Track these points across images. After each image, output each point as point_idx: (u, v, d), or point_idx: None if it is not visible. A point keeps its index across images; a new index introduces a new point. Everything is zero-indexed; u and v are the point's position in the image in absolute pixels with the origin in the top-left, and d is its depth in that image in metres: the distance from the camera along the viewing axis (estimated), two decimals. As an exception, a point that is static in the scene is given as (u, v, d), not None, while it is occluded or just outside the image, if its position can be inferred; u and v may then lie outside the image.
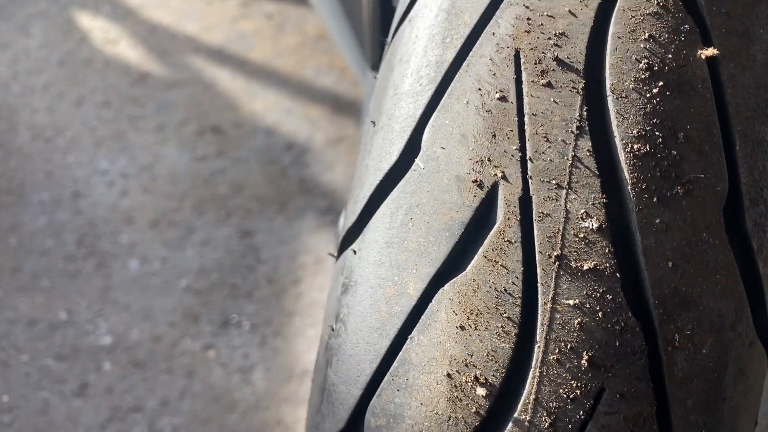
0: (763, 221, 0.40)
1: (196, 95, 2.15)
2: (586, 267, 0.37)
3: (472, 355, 0.39)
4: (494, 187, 0.39)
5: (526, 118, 0.38)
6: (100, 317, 1.82)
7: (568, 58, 0.38)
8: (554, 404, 0.38)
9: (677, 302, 0.38)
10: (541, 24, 0.39)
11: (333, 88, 2.14)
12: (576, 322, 0.37)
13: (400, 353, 0.41)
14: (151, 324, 1.74)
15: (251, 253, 1.84)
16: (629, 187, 0.38)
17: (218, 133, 2.05)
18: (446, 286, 0.40)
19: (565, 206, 0.38)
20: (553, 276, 0.38)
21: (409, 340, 0.41)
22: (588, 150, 0.38)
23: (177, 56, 2.31)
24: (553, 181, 0.38)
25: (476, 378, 0.39)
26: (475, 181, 0.39)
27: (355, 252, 0.45)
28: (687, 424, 0.39)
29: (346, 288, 0.46)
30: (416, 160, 0.41)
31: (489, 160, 0.39)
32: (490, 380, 0.39)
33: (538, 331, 0.38)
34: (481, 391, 0.39)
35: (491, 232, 0.39)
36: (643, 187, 0.37)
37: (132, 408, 1.63)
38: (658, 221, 0.38)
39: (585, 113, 0.38)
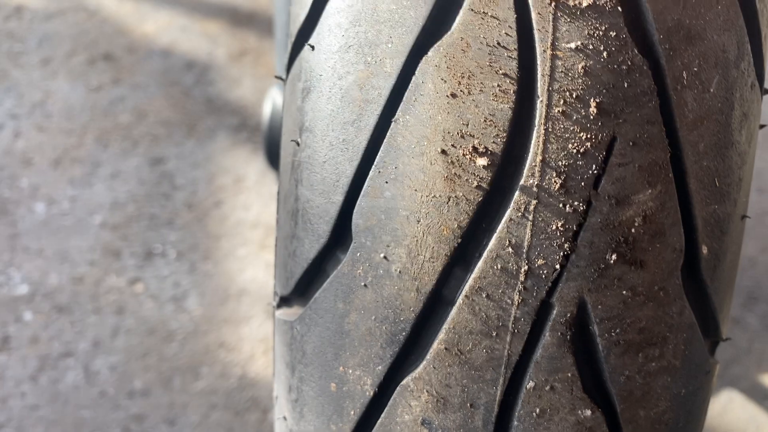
0: (757, -50, 0.37)
1: (80, 23, 1.99)
2: (585, 3, 0.33)
3: (467, 125, 0.35)
4: (473, -71, 0.34)
5: None
6: (12, 267, 1.69)
7: None
8: (563, 162, 0.34)
9: (682, 36, 0.34)
10: None
11: (228, 1, 2.02)
12: (580, 66, 0.34)
13: (384, 141, 0.36)
14: (70, 266, 1.63)
15: (165, 180, 1.74)
16: None
17: (111, 61, 1.90)
18: (430, 52, 0.35)
19: (555, -62, 0.33)
20: (551, 18, 0.33)
21: (393, 123, 0.36)
22: None
23: (52, -17, 2.12)
24: None
25: (474, 149, 0.35)
26: (450, -73, 0.34)
27: (312, 47, 0.40)
28: (700, 170, 0.36)
29: (307, 91, 0.40)
30: None
31: None
32: (490, 148, 0.34)
33: (538, 83, 0.34)
34: (481, 162, 0.35)
35: (475, -19, 0.34)
36: None
37: (62, 354, 1.53)
38: (655, -53, 0.34)
39: None
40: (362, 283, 0.38)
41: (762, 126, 0.42)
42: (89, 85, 1.90)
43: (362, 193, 0.37)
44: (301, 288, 0.42)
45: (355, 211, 0.38)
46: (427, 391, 0.37)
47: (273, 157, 1.01)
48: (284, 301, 0.45)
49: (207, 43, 1.95)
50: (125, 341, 1.57)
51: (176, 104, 1.85)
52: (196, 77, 1.89)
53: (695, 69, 0.35)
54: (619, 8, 0.34)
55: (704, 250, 0.37)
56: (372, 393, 0.38)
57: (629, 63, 0.34)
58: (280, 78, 0.47)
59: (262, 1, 2.04)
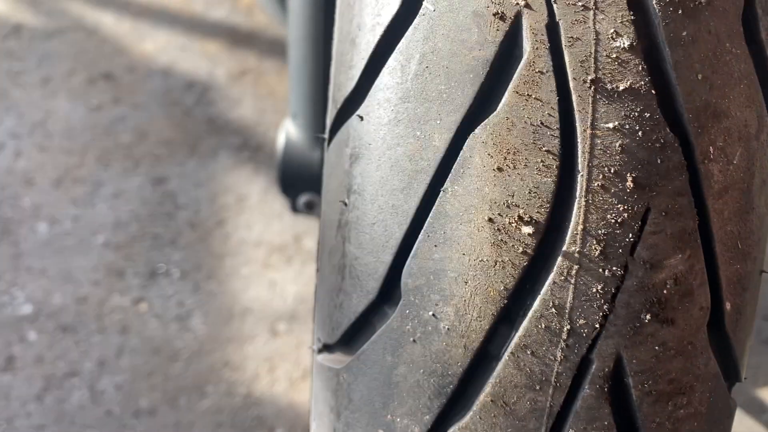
0: (773, 30, 0.41)
1: (79, 42, 2.00)
2: (622, 87, 0.37)
3: (513, 195, 0.38)
4: (517, 17, 0.37)
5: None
6: (15, 287, 1.70)
7: None
8: (603, 231, 0.37)
9: (709, 114, 0.38)
10: None
11: (227, 20, 2.05)
12: (617, 144, 0.37)
13: (434, 208, 0.39)
14: (73, 286, 1.65)
15: (168, 199, 1.76)
16: (654, 2, 0.37)
17: (111, 80, 1.92)
18: (477, 130, 0.38)
19: (594, 27, 0.36)
20: (590, 101, 0.37)
21: (441, 193, 0.39)
22: (609, -32, 0.36)
23: (51, 3, 2.14)
24: (579, 3, 0.36)
25: (520, 217, 0.38)
26: (496, 14, 0.37)
27: (361, 118, 0.43)
28: (725, 235, 0.39)
29: (356, 157, 0.43)
30: (423, 2, 0.39)
31: (508, -11, 0.37)
32: (534, 217, 0.38)
33: (579, 159, 0.37)
34: (526, 230, 0.38)
35: (520, 65, 0.37)
36: (667, 0, 0.37)
37: (68, 373, 1.55)
38: (684, 34, 0.37)
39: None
40: (411, 339, 0.41)
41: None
42: (89, 105, 1.92)
43: (411, 254, 0.40)
44: (347, 338, 0.45)
45: (404, 271, 0.41)
46: (473, 440, 0.40)
47: (286, 187, 1.03)
48: (327, 348, 0.48)
49: (207, 63, 1.97)
50: (130, 361, 1.59)
51: (177, 124, 1.87)
52: (197, 97, 1.91)
53: (720, 144, 0.38)
54: (653, 91, 0.37)
55: (728, 306, 0.40)
56: (420, 440, 0.41)
57: (662, 141, 0.37)
58: (321, 137, 0.50)
59: (260, 20, 2.07)
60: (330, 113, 0.47)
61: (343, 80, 0.45)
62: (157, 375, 1.56)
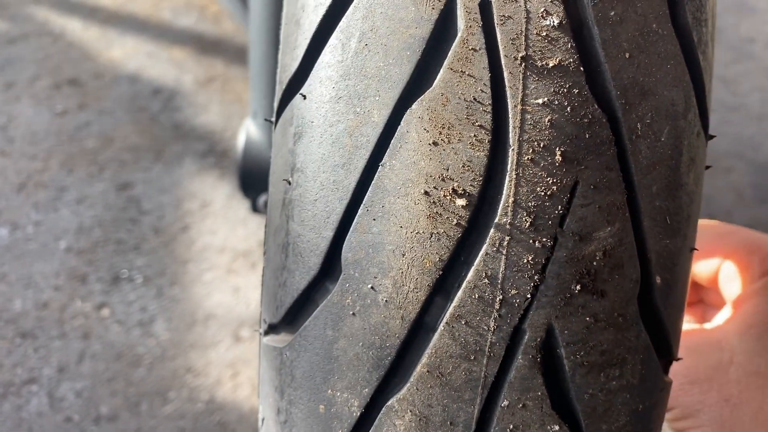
0: (699, 15, 0.42)
1: (44, 48, 1.99)
2: (551, 64, 0.38)
3: (447, 169, 0.39)
4: (452, -3, 0.38)
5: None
6: (-26, 292, 1.67)
7: None
8: (532, 203, 0.38)
9: (636, 92, 0.39)
10: None
11: (195, 28, 2.05)
12: (547, 119, 0.38)
13: (372, 182, 0.40)
14: (34, 291, 1.63)
15: (132, 205, 1.75)
16: (583, -18, 0.38)
17: (76, 86, 1.91)
18: (414, 105, 0.39)
19: (525, 6, 0.38)
20: (521, 77, 0.38)
21: (380, 167, 0.40)
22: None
23: (15, 8, 2.12)
24: (511, -18, 0.38)
25: (454, 190, 0.39)
26: (431, -7, 0.39)
27: (304, 96, 0.43)
28: (653, 209, 0.40)
29: (299, 136, 0.44)
30: (363, -16, 0.40)
31: (442, -30, 0.38)
32: (468, 190, 0.39)
33: (510, 134, 0.38)
34: (460, 202, 0.39)
35: (454, 43, 0.38)
36: (595, -19, 0.38)
37: (26, 380, 1.53)
38: (612, 14, 0.39)
39: None
40: (351, 312, 0.41)
41: (708, 167, 0.47)
42: (54, 110, 1.91)
43: (351, 229, 0.41)
44: (291, 316, 0.46)
45: (344, 245, 0.41)
46: (410, 411, 0.41)
47: (247, 187, 1.04)
48: (272, 329, 0.49)
49: (174, 70, 1.97)
50: (91, 366, 1.57)
51: (143, 130, 1.86)
52: (163, 103, 1.91)
53: (648, 121, 0.39)
54: (581, 68, 0.38)
55: (658, 280, 0.41)
56: (359, 414, 0.42)
57: (590, 116, 0.38)
58: (269, 120, 0.50)
59: (228, 28, 2.08)
60: (276, 95, 0.48)
61: (288, 61, 0.46)
62: (118, 381, 1.54)
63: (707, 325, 0.60)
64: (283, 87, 0.46)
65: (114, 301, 1.65)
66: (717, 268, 0.61)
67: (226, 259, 1.69)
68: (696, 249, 0.45)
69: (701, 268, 0.63)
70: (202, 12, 2.12)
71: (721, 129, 1.69)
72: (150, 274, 1.67)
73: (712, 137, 0.46)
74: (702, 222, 0.65)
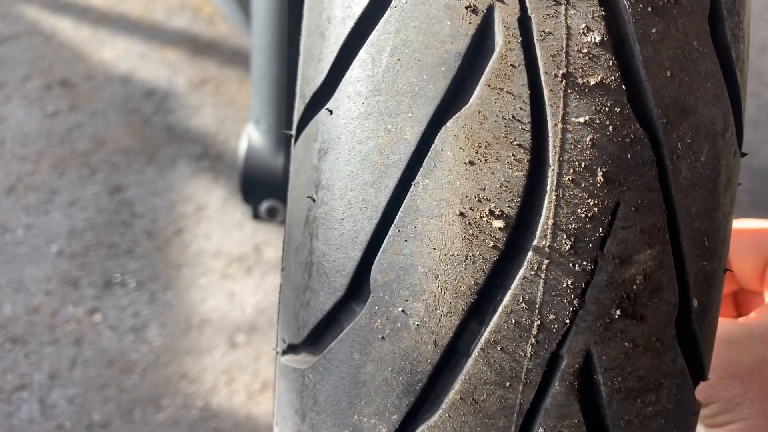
0: (738, 32, 0.41)
1: (35, 48, 1.96)
2: (592, 82, 0.37)
3: (484, 190, 0.37)
4: (489, 11, 0.37)
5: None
6: (-37, 296, 1.64)
7: None
8: (573, 225, 0.37)
9: (677, 111, 0.38)
10: None
11: (188, 29, 2.03)
12: (588, 139, 0.37)
13: (404, 202, 0.39)
14: (25, 295, 1.60)
15: (125, 208, 1.73)
16: (624, -1, 0.37)
17: (68, 87, 1.88)
18: (449, 123, 0.38)
19: (566, 22, 0.37)
20: (561, 95, 0.37)
21: (412, 187, 0.39)
22: (579, -35, 0.37)
23: (6, 7, 2.09)
24: (551, -2, 0.37)
25: (491, 212, 0.37)
26: (468, 7, 0.37)
27: (331, 111, 0.42)
28: (692, 232, 0.39)
29: (324, 152, 0.42)
30: (396, -4, 0.39)
31: (480, -17, 0.37)
32: (505, 211, 0.37)
33: (550, 153, 0.37)
34: (497, 224, 0.37)
35: (492, 59, 0.37)
36: (637, -3, 0.37)
37: (17, 387, 1.50)
38: (653, 31, 0.37)
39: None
40: (380, 336, 0.40)
41: (739, 184, 0.47)
42: (45, 111, 1.88)
43: (381, 249, 0.40)
44: (314, 337, 0.44)
45: (374, 266, 0.40)
46: (442, 439, 0.39)
47: (248, 194, 1.02)
48: (292, 349, 0.47)
49: (167, 71, 1.95)
50: (83, 373, 1.54)
51: (136, 132, 1.84)
52: (156, 105, 1.88)
53: (688, 140, 0.38)
54: (623, 86, 0.37)
55: (695, 303, 0.40)
56: (387, 440, 0.40)
57: (632, 136, 0.37)
58: (288, 133, 0.49)
59: (222, 30, 2.05)
60: (297, 108, 0.46)
61: (311, 74, 0.44)
62: (111, 387, 1.52)
63: (742, 320, 0.59)
64: (306, 101, 0.45)
65: (106, 306, 1.63)
66: (764, 266, 0.61)
67: (221, 263, 1.67)
68: (729, 270, 0.44)
69: (747, 266, 0.62)
70: (195, 13, 2.09)
71: (717, 135, 1.69)
72: (143, 279, 1.65)
73: (744, 155, 0.45)
74: (746, 221, 0.64)
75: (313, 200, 0.43)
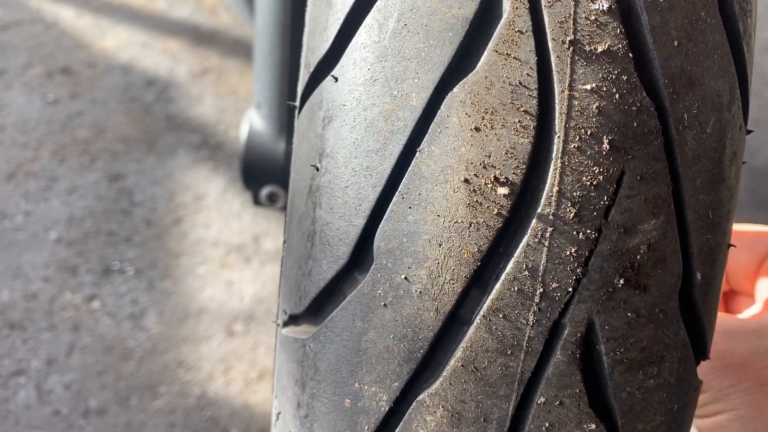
0: (745, 5, 0.41)
1: (37, 36, 1.96)
2: (600, 49, 0.37)
3: (489, 156, 0.37)
4: (498, -24, 0.37)
5: None
6: (-40, 282, 1.64)
7: None
8: (577, 193, 0.37)
9: (684, 81, 0.38)
10: None
11: (190, 19, 2.02)
12: (594, 106, 0.37)
13: (409, 169, 0.39)
14: (23, 282, 1.60)
15: (124, 196, 1.73)
16: (633, -34, 0.37)
17: (69, 75, 1.88)
18: (456, 89, 0.38)
19: (574, -12, 0.36)
20: (569, 62, 0.36)
21: (418, 153, 0.39)
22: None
23: (8, -6, 2.08)
24: (560, -36, 0.36)
25: (496, 178, 0.37)
26: (476, -28, 0.37)
27: (336, 79, 0.42)
28: (697, 203, 0.39)
29: (329, 120, 0.42)
30: (403, -38, 0.39)
31: (488, -52, 0.37)
32: (510, 178, 0.37)
33: (556, 120, 0.37)
34: (502, 191, 0.37)
35: (500, 24, 0.37)
36: (646, -35, 0.37)
37: (14, 372, 1.50)
38: (661, 0, 0.37)
39: None
40: (382, 303, 0.40)
41: (743, 162, 0.46)
42: (46, 99, 1.87)
43: (385, 217, 0.39)
44: (315, 307, 0.44)
45: (377, 234, 0.40)
46: (442, 407, 0.39)
47: (249, 180, 1.02)
48: (293, 320, 0.47)
49: (168, 60, 1.94)
50: (80, 359, 1.54)
51: (136, 120, 1.83)
52: (157, 94, 1.88)
53: (695, 111, 0.38)
54: (630, 54, 0.37)
55: (698, 276, 0.40)
56: (387, 408, 0.40)
57: (638, 104, 0.37)
58: (292, 104, 0.49)
59: (224, 20, 2.05)
60: (302, 78, 0.46)
61: (317, 43, 0.44)
62: (108, 374, 1.52)
63: (740, 316, 0.59)
64: (311, 70, 0.45)
65: (104, 293, 1.63)
66: (757, 268, 0.61)
67: (220, 252, 1.66)
68: (733, 245, 0.44)
69: (740, 267, 0.62)
70: (197, 3, 2.09)
71: (718, 133, 1.69)
72: (141, 267, 1.65)
73: (749, 132, 0.45)
74: (745, 225, 0.64)
75: (317, 169, 0.43)
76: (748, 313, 0.59)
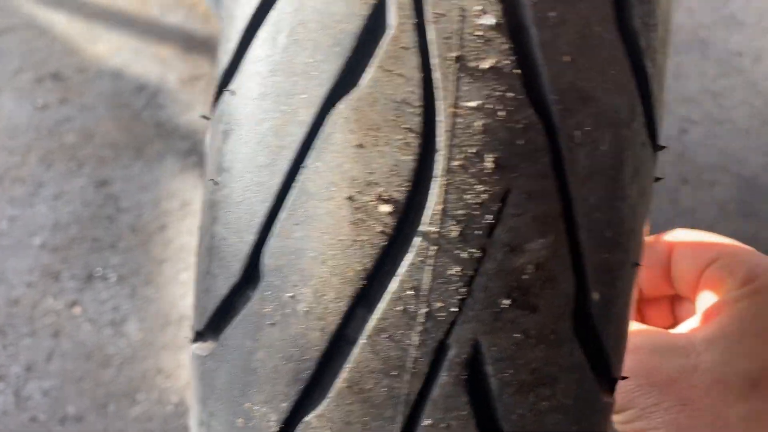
0: (649, 20, 0.40)
1: (29, 41, 1.97)
2: (485, 66, 0.36)
3: (373, 173, 0.37)
4: (383, -9, 0.36)
5: None
6: (-56, 286, 1.64)
7: None
8: (461, 212, 0.36)
9: (575, 97, 0.37)
10: None
11: (182, 26, 2.03)
12: (478, 124, 0.36)
13: (296, 185, 0.38)
14: (6, 287, 1.60)
15: (110, 202, 1.73)
16: (521, -19, 0.36)
17: (59, 80, 1.89)
18: (340, 105, 0.37)
19: (460, 3, 0.36)
20: (453, 79, 0.36)
21: (304, 169, 0.38)
22: (476, -54, 0.36)
23: (3, 0, 2.10)
24: (444, -22, 0.36)
25: (379, 196, 0.37)
26: (362, -14, 0.36)
27: (233, 92, 0.41)
28: (590, 222, 0.38)
29: (227, 134, 0.42)
30: (294, -24, 0.38)
31: (374, -36, 0.36)
32: (394, 196, 0.36)
33: (440, 138, 0.36)
34: (385, 209, 0.36)
35: (385, 40, 0.36)
36: (535, -21, 0.36)
37: (-8, 377, 1.50)
38: (552, 15, 0.36)
39: None
40: (270, 322, 0.39)
41: (658, 179, 0.45)
42: (35, 104, 1.88)
43: (273, 233, 0.39)
44: (214, 324, 0.44)
45: (266, 251, 0.39)
46: (330, 428, 0.38)
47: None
48: (199, 336, 0.46)
49: (159, 67, 1.95)
50: (60, 365, 1.54)
51: (125, 126, 1.84)
52: (147, 100, 1.88)
53: (588, 128, 0.37)
54: (518, 71, 0.36)
55: (596, 295, 0.39)
56: (277, 429, 0.39)
57: (525, 122, 0.36)
58: (206, 117, 0.48)
59: (216, 27, 2.05)
60: (212, 92, 0.46)
61: (221, 55, 0.44)
62: (87, 381, 1.52)
63: (672, 331, 0.58)
64: (217, 83, 0.44)
65: (86, 299, 1.63)
66: (698, 278, 0.60)
67: (202, 260, 1.65)
68: (639, 264, 0.43)
69: (683, 275, 0.61)
70: (190, 10, 2.10)
71: (707, 142, 1.67)
72: (124, 273, 1.65)
73: (661, 148, 0.44)
74: (683, 232, 0.63)
75: (216, 183, 0.42)
76: (688, 326, 0.58)
